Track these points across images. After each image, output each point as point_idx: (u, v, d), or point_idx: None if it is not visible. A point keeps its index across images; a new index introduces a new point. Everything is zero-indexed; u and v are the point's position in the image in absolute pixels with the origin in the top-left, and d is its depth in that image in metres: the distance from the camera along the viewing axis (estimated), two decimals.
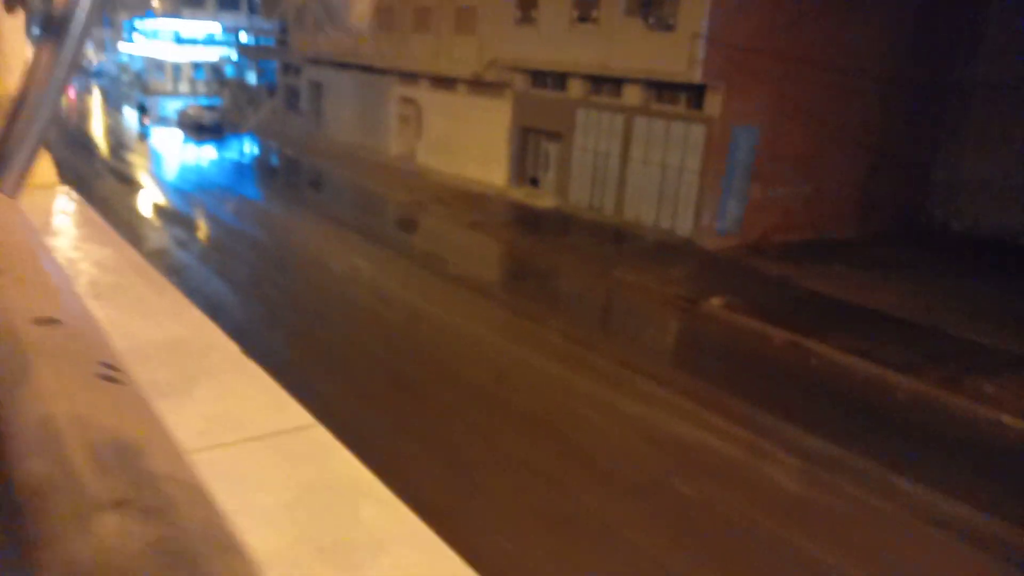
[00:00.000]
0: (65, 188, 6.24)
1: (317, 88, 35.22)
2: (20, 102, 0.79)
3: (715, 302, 14.85)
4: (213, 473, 1.78)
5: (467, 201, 22.83)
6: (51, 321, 0.46)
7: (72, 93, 55.34)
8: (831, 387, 11.77)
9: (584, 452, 9.20)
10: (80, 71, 68.17)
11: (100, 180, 24.25)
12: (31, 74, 0.77)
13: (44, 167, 6.42)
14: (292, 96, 37.99)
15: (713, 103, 17.79)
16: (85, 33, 0.78)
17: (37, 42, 0.76)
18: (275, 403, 2.36)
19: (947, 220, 22.52)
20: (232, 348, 2.90)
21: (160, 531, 0.35)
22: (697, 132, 18.24)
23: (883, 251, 19.77)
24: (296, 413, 2.26)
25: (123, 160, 28.76)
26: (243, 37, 46.61)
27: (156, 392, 2.29)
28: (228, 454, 2.00)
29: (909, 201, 22.57)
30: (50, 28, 0.76)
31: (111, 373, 0.43)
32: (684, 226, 18.94)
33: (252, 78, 42.97)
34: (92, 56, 76.21)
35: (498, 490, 8.30)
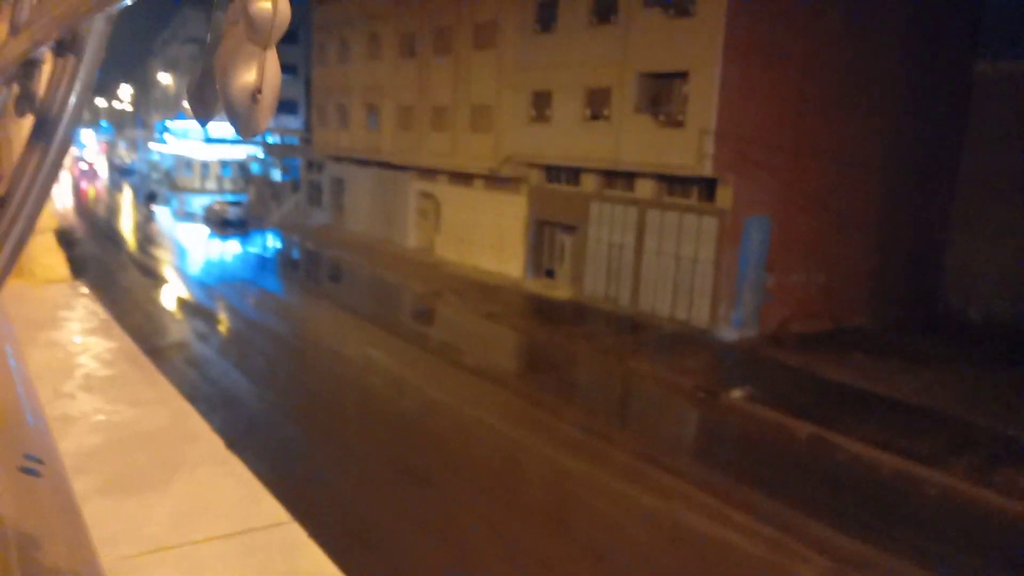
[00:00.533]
0: (76, 283, 6.45)
1: (339, 184, 36.48)
2: (9, 201, 0.81)
3: (735, 393, 14.65)
4: (179, 570, 1.80)
5: (483, 292, 23.08)
6: None
7: (98, 186, 57.66)
8: (857, 481, 11.42)
9: (601, 549, 8.90)
10: (114, 169, 71.28)
11: (126, 273, 24.90)
12: (17, 175, 0.80)
13: (57, 263, 6.68)
14: (315, 191, 39.33)
15: (724, 195, 18.18)
16: (71, 136, 0.79)
17: (27, 144, 0.79)
18: (251, 498, 2.31)
19: (963, 308, 22.35)
20: (214, 440, 2.89)
21: None
22: (710, 224, 18.55)
23: (901, 339, 19.55)
24: (271, 509, 2.23)
25: (149, 254, 29.60)
26: (269, 136, 48.83)
27: (132, 484, 2.40)
28: (197, 551, 1.94)
29: (924, 288, 22.52)
30: (39, 130, 0.78)
31: (33, 466, 0.42)
32: (700, 317, 18.94)
33: (277, 175, 44.68)
34: (125, 155, 79.85)
35: None
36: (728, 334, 18.39)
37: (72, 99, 0.76)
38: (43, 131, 0.78)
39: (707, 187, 18.65)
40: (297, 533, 2.05)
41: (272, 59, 0.39)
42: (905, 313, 21.64)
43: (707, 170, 17.71)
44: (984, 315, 21.89)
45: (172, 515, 2.13)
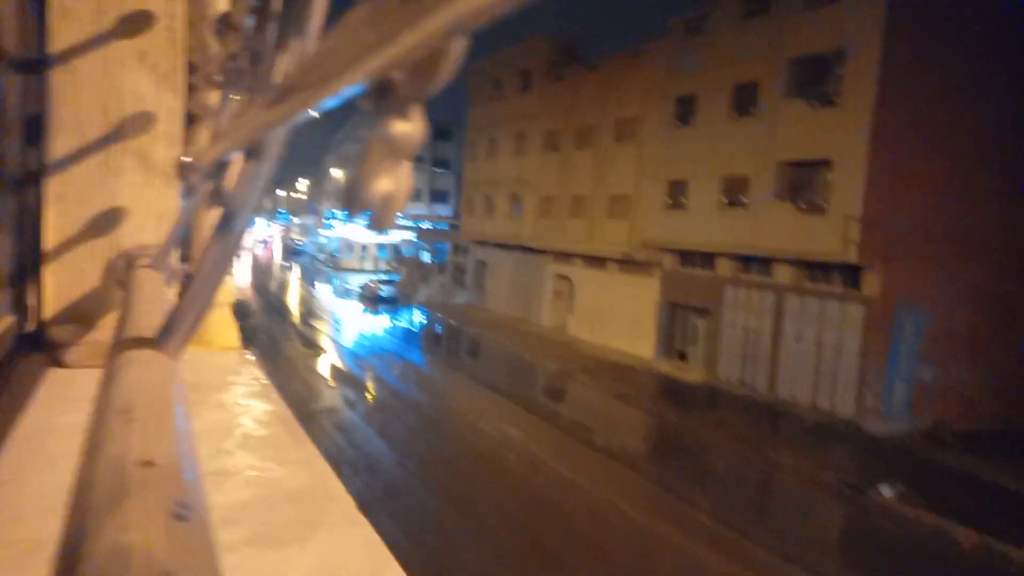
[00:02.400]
0: (244, 351, 7.24)
1: (481, 266, 38.45)
2: (194, 279, 0.92)
3: (886, 492, 13.63)
4: None
5: (614, 372, 23.17)
6: (149, 464, 0.52)
7: (273, 265, 63.98)
8: None
9: None
10: (287, 250, 79.21)
11: (289, 342, 27.50)
12: (204, 259, 0.91)
13: (230, 334, 7.58)
14: (459, 273, 41.64)
15: (872, 283, 17.43)
16: (248, 225, 0.89)
17: (214, 232, 0.91)
18: (378, 562, 2.20)
19: None
20: (349, 502, 3.18)
21: None
22: (855, 311, 17.76)
23: None
24: (394, 573, 2.11)
25: (310, 326, 32.49)
26: (422, 223, 52.66)
27: (274, 538, 2.40)
28: None
29: None
30: (225, 221, 0.89)
31: (183, 512, 0.46)
32: (845, 407, 17.90)
33: (427, 257, 47.81)
34: (298, 237, 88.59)
35: None
36: (877, 427, 17.19)
37: (253, 195, 0.87)
38: (227, 221, 0.90)
39: (852, 274, 17.97)
40: None
41: (407, 170, 0.49)
42: None
43: (853, 257, 17.16)
44: None
45: (306, 571, 2.15)
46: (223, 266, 0.91)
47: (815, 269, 19.02)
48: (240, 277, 46.48)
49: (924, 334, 17.57)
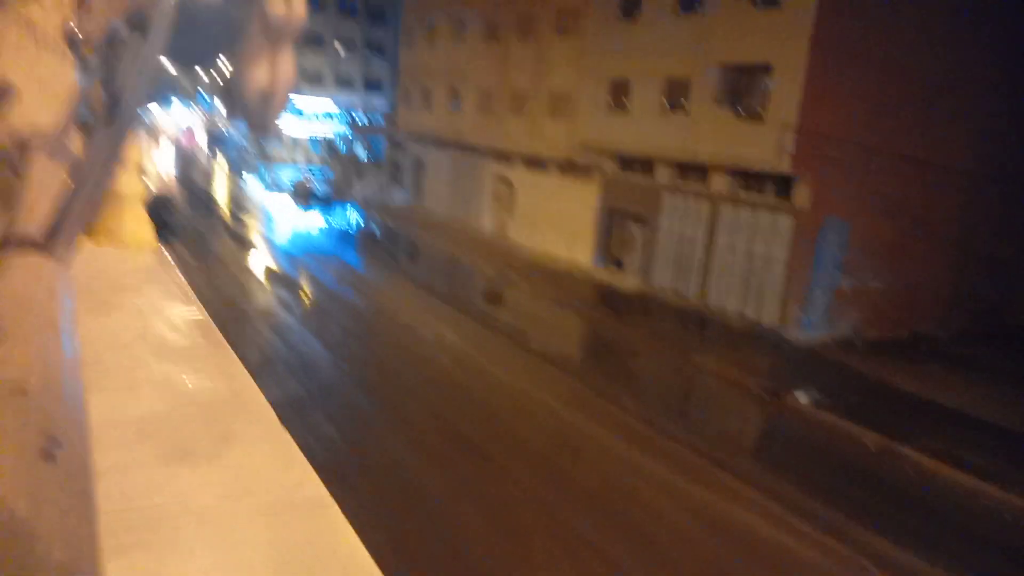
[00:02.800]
0: (161, 250, 6.85)
1: (419, 164, 37.44)
2: (76, 176, 0.85)
3: (801, 397, 14.52)
4: (217, 540, 1.91)
5: (552, 278, 23.44)
6: (20, 392, 0.47)
7: (192, 150, 60.82)
8: (922, 495, 11.20)
9: (647, 537, 9.16)
10: (211, 139, 75.05)
11: (218, 240, 26.52)
12: (87, 153, 0.83)
13: (144, 230, 7.11)
14: (396, 171, 40.49)
15: (802, 194, 17.83)
16: (136, 109, 0.80)
17: (93, 123, 0.81)
18: (297, 474, 2.37)
19: None
20: (270, 415, 2.97)
21: None
22: (785, 222, 18.25)
23: (975, 351, 18.77)
24: (314, 487, 2.29)
25: (240, 222, 31.33)
26: (357, 115, 50.41)
27: (188, 453, 2.55)
28: (238, 523, 2.02)
29: (1003, 300, 21.43)
30: (106, 112, 0.81)
31: (54, 449, 0.43)
32: (770, 316, 18.73)
33: (361, 153, 46.15)
34: (223, 125, 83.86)
35: (551, 565, 8.41)
36: (798, 335, 18.14)
37: (140, 74, 0.78)
38: (113, 104, 0.82)
39: (784, 185, 18.32)
40: (335, 516, 2.07)
41: (285, 60, 0.47)
42: (983, 324, 20.69)
43: (785, 166, 17.41)
44: None
45: (220, 486, 2.19)
46: (111, 156, 0.82)
47: (750, 179, 19.30)
48: (163, 168, 43.88)
49: (846, 246, 18.29)
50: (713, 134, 19.39)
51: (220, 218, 32.08)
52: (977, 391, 15.39)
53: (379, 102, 53.24)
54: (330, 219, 35.01)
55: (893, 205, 18.36)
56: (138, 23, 0.75)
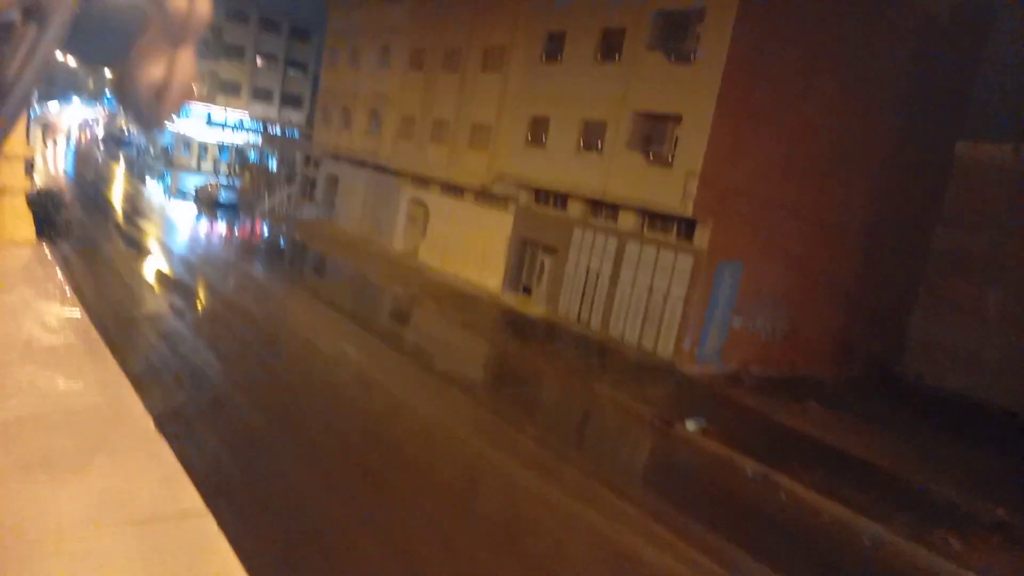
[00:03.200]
0: (40, 247, 6.43)
1: (333, 181, 36.89)
2: None
3: (690, 426, 15.15)
4: (79, 562, 1.77)
5: (461, 301, 23.52)
6: None
7: (90, 149, 57.50)
8: (798, 524, 11.83)
9: (541, 566, 9.24)
10: (111, 139, 71.10)
11: (109, 242, 25.06)
12: None
13: (24, 226, 6.63)
14: (309, 186, 39.71)
15: (702, 237, 18.83)
16: (22, 105, 0.78)
17: None
18: (171, 486, 2.22)
19: (919, 374, 23.15)
20: (146, 422, 2.76)
21: None
22: (685, 262, 19.18)
23: (855, 395, 20.21)
24: (190, 498, 2.15)
25: (136, 226, 29.75)
26: (272, 128, 49.23)
27: (51, 463, 2.32)
28: (99, 539, 1.88)
29: (884, 351, 23.30)
30: None
31: None
32: (666, 349, 19.52)
33: (273, 165, 45.00)
34: (124, 126, 79.70)
35: None
36: (691, 368, 18.96)
37: (29, 68, 0.74)
38: None
39: (687, 227, 19.31)
40: (209, 526, 1.97)
41: (185, 58, 0.39)
42: (863, 371, 22.37)
43: (688, 211, 18.36)
44: (936, 383, 22.67)
45: (83, 500, 2.04)
46: None
47: (656, 219, 20.22)
48: (55, 164, 41.19)
49: (739, 288, 19.40)
50: (624, 175, 20.24)
51: (114, 221, 30.35)
52: (851, 430, 16.53)
53: (296, 117, 52.26)
54: (235, 229, 33.81)
55: (788, 255, 19.68)
56: (35, 13, 0.70)
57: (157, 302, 18.83)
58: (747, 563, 9.92)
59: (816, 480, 13.17)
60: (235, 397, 13.23)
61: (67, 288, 4.95)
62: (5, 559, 1.74)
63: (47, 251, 6.26)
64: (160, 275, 22.01)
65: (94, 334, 3.86)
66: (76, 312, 4.29)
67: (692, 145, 18.44)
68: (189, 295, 20.07)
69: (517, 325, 21.84)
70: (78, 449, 2.40)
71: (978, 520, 12.81)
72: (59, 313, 4.23)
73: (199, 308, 19.14)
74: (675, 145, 19.09)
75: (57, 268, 5.74)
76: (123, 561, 1.76)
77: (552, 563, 9.32)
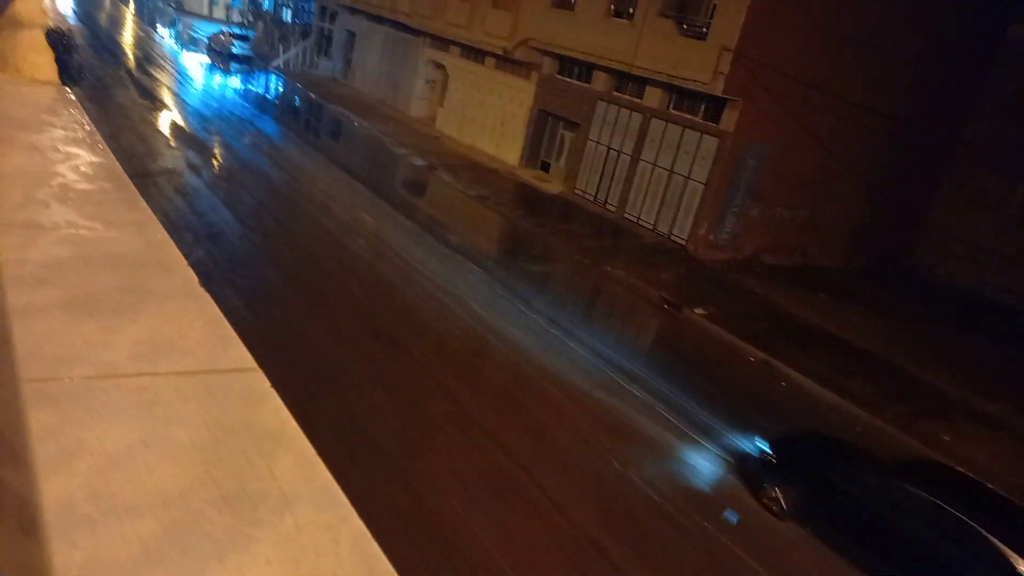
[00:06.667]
0: (63, 88, 6.20)
1: (350, 37, 35.32)
2: None
3: (697, 311, 15.35)
4: (133, 401, 1.76)
5: (477, 173, 23.21)
6: None
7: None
8: (793, 409, 12.25)
9: (542, 428, 9.72)
10: None
11: (122, 89, 24.52)
12: None
13: (45, 62, 6.37)
14: (324, 41, 38.07)
15: (730, 118, 18.16)
16: None
17: None
18: (219, 340, 2.20)
19: (932, 267, 23.05)
20: (189, 274, 2.70)
21: None
22: (710, 144, 18.63)
23: (867, 286, 20.28)
24: (237, 353, 2.13)
25: (148, 75, 28.97)
26: None
27: (97, 305, 2.28)
28: (154, 383, 1.86)
29: (900, 243, 23.08)
30: None
31: None
32: (681, 233, 19.41)
33: (288, 16, 42.92)
34: None
35: (452, 450, 8.84)
36: (705, 254, 18.95)
37: None
38: None
39: (715, 106, 18.57)
40: (260, 381, 1.98)
41: None
42: (876, 263, 22.29)
43: (719, 89, 17.58)
44: (949, 278, 22.61)
45: (135, 343, 2.02)
46: None
47: (683, 96, 19.42)
48: (59, 2, 39.53)
49: (761, 173, 18.95)
50: (654, 46, 19.22)
51: (126, 67, 29.51)
52: (857, 321, 16.73)
53: None
54: (249, 83, 32.89)
55: (814, 139, 19.01)
56: None
57: (173, 156, 18.69)
58: (736, 441, 10.41)
59: (815, 368, 13.51)
60: (253, 256, 13.44)
61: (96, 132, 4.85)
62: (59, 391, 1.73)
63: (71, 93, 6.09)
64: (175, 128, 21.70)
65: (127, 181, 3.80)
66: (109, 159, 4.22)
67: (729, 17, 17.32)
68: (204, 151, 19.87)
69: (533, 201, 21.66)
70: (123, 294, 2.36)
71: (971, 414, 13.23)
72: (91, 159, 4.15)
73: (215, 165, 19.02)
74: (711, 15, 17.95)
75: (83, 111, 5.60)
76: (179, 405, 1.77)
77: (552, 426, 9.82)
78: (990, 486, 8.35)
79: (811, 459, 9.08)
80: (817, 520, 8.46)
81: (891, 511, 7.86)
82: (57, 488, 1.40)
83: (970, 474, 8.75)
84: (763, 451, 9.25)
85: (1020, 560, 6.94)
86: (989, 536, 7.13)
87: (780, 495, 8.56)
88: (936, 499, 7.59)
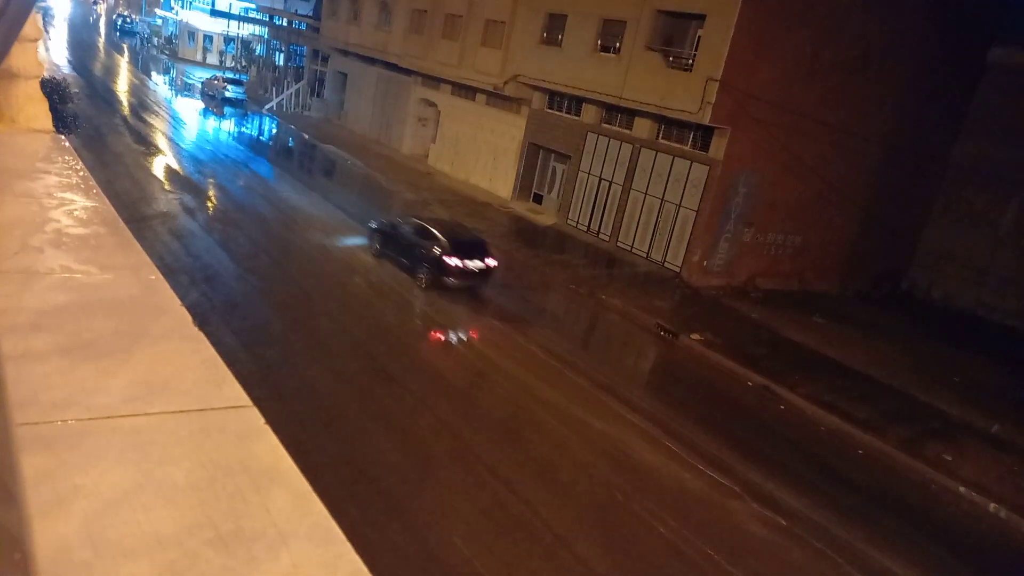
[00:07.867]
0: (58, 136, 6.27)
1: (342, 78, 35.85)
2: None
3: (694, 337, 15.34)
4: (128, 442, 1.78)
5: (470, 207, 23.36)
6: None
7: (92, 38, 55.83)
8: (795, 434, 12.20)
9: (544, 461, 9.62)
10: (114, 29, 68.79)
11: (117, 136, 24.74)
12: None
13: (40, 112, 6.48)
14: (317, 83, 38.63)
15: (719, 146, 18.39)
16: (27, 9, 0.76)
17: None
18: (214, 379, 2.23)
19: (927, 288, 23.15)
20: (183, 315, 2.77)
21: None
22: (700, 172, 18.84)
23: (862, 310, 20.33)
24: (232, 392, 2.16)
25: (143, 121, 29.27)
26: (277, 19, 47.27)
27: (93, 349, 2.33)
28: (149, 423, 1.88)
29: (894, 265, 23.21)
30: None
31: None
32: (675, 260, 19.51)
33: (280, 59, 43.61)
34: (129, 15, 76.96)
35: (453, 486, 8.73)
36: (699, 280, 19.02)
37: None
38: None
39: (703, 135, 18.83)
40: (255, 418, 1.99)
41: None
42: (872, 286, 22.38)
43: (706, 118, 17.84)
44: (945, 299, 22.69)
45: (130, 385, 2.05)
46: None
47: (672, 126, 19.69)
48: (56, 54, 40.10)
49: (753, 200, 19.12)
50: (642, 79, 19.54)
51: (120, 114, 29.83)
52: (855, 344, 16.72)
53: (303, 7, 50.10)
54: (242, 126, 33.24)
55: (804, 166, 19.25)
56: None
57: (168, 200, 18.79)
58: (745, 471, 10.30)
59: (815, 392, 13.46)
60: (248, 295, 13.43)
61: (91, 178, 4.90)
62: (54, 434, 1.75)
63: (65, 141, 6.16)
64: (170, 171, 21.85)
65: (121, 225, 3.84)
66: (104, 203, 4.26)
67: (714, 48, 17.67)
68: (199, 194, 19.99)
69: (527, 233, 21.77)
70: (119, 337, 2.38)
71: (973, 434, 13.16)
72: (86, 204, 4.20)
73: (209, 208, 19.11)
74: (696, 47, 18.30)
75: (78, 157, 5.67)
76: (174, 445, 1.78)
77: (554, 459, 9.71)
78: (445, 219, 18.24)
79: (389, 226, 16.41)
80: (387, 252, 16.24)
81: (407, 236, 15.60)
82: (52, 533, 1.40)
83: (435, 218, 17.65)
84: (371, 227, 16.87)
85: (441, 236, 14.88)
86: (434, 231, 15.11)
87: (423, 277, 15.16)
88: (421, 224, 15.60)
